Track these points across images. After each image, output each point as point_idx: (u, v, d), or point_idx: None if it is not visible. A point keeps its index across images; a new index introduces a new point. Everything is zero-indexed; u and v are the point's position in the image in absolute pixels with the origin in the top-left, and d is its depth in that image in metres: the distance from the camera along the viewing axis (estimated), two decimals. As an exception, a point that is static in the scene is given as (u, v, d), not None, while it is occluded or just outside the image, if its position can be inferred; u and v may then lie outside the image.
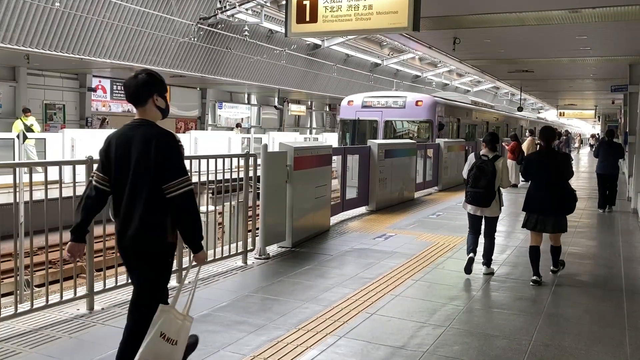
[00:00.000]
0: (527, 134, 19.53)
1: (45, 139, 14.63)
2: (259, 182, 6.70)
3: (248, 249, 6.52)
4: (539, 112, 49.70)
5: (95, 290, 4.72)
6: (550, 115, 48.16)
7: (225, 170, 6.17)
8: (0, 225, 6.09)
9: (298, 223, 7.33)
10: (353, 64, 28.23)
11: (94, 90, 21.91)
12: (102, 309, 4.67)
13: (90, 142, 14.52)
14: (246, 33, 19.46)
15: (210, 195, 6.77)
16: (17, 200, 4.95)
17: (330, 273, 6.06)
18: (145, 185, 3.11)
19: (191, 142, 18.33)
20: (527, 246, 6.20)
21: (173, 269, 3.52)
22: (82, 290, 4.74)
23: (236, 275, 5.96)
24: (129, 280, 4.88)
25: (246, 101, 31.17)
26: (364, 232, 8.44)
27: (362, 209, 10.44)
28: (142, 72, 3.26)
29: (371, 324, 4.61)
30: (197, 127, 26.70)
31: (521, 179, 17.06)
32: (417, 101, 16.01)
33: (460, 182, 15.93)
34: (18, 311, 4.27)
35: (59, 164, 5.23)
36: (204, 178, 6.07)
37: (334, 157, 9.05)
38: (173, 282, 4.71)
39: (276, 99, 30.74)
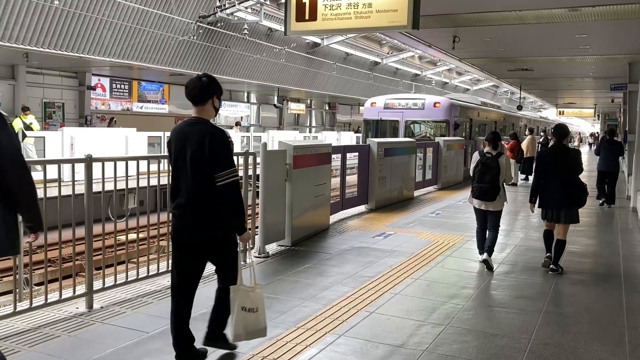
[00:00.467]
0: (526, 132, 19.56)
1: (44, 137, 14.61)
2: (258, 181, 6.70)
3: (247, 247, 6.49)
4: (539, 111, 49.70)
5: (94, 289, 4.72)
6: (549, 114, 48.15)
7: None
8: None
9: (297, 221, 7.33)
10: (352, 63, 28.21)
11: (93, 88, 21.89)
12: (101, 307, 4.67)
13: (90, 141, 14.53)
14: (245, 31, 19.45)
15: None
16: (16, 199, 4.92)
17: (330, 271, 6.06)
18: (199, 175, 3.51)
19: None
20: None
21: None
22: (81, 289, 4.74)
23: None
24: (138, 277, 4.88)
25: (245, 100, 31.15)
26: (363, 231, 8.44)
27: (362, 208, 10.44)
28: (205, 76, 3.65)
29: (370, 322, 4.61)
30: (196, 126, 26.64)
31: (520, 177, 17.22)
32: (435, 103, 17.30)
33: (459, 181, 16.03)
34: (17, 309, 4.27)
35: (58, 162, 5.23)
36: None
37: (334, 156, 9.04)
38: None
39: (275, 98, 30.73)
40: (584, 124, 69.23)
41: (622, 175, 17.81)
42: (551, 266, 6.38)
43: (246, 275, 3.77)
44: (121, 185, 5.09)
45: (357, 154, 10.72)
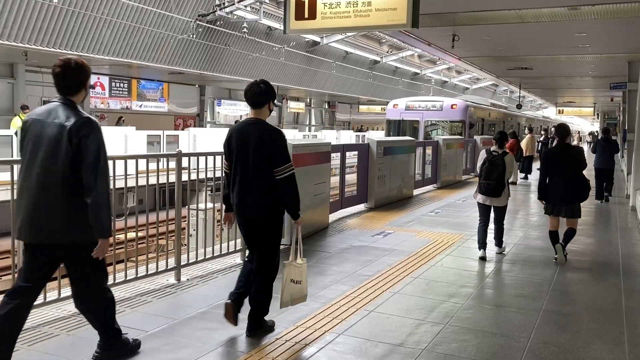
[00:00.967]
0: (526, 131, 19.61)
1: (43, 136, 14.58)
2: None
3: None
4: (538, 110, 49.70)
5: (93, 288, 4.71)
6: (550, 113, 48.19)
7: (224, 168, 6.15)
8: (-2, 222, 6.08)
9: (297, 220, 7.31)
10: (352, 61, 28.20)
11: (93, 87, 21.86)
12: (101, 306, 4.66)
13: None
14: (245, 30, 19.43)
15: (209, 192, 6.77)
16: (15, 197, 4.93)
17: (329, 270, 6.06)
18: (259, 169, 3.97)
19: (190, 139, 18.30)
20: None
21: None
22: (80, 288, 4.73)
23: (235, 272, 5.93)
24: (137, 275, 4.87)
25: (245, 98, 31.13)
26: (362, 230, 8.44)
27: (361, 207, 10.44)
28: (262, 82, 4.11)
29: (369, 321, 4.61)
30: (195, 125, 26.67)
31: (520, 176, 17.25)
32: (452, 105, 19.27)
33: (459, 180, 16.05)
34: (16, 308, 4.26)
35: (57, 161, 5.22)
36: (202, 175, 6.06)
37: (333, 155, 9.04)
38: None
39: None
40: (583, 122, 69.25)
41: (622, 174, 17.83)
42: (561, 242, 6.72)
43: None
44: (120, 184, 5.08)
45: (356, 152, 10.71)
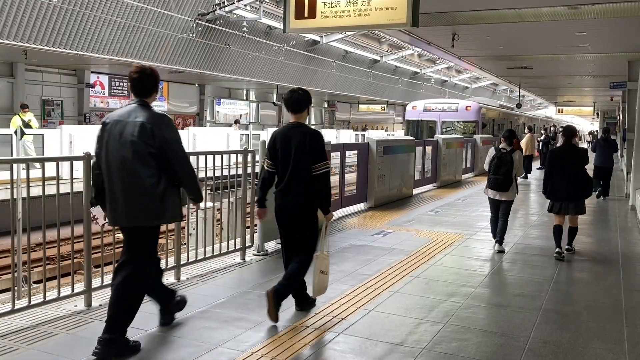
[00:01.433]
0: (525, 130, 19.65)
1: (43, 135, 14.59)
2: (257, 179, 6.68)
3: (246, 245, 6.51)
4: (537, 109, 49.69)
5: (93, 287, 4.71)
6: (550, 112, 48.23)
7: (224, 167, 6.16)
8: (-2, 221, 6.08)
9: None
10: (352, 61, 28.18)
11: (92, 86, 21.87)
12: (100, 305, 4.66)
13: (89, 139, 14.51)
14: (244, 29, 19.41)
15: (208, 191, 6.76)
16: (15, 197, 4.93)
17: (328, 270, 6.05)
18: (302, 166, 4.42)
19: (189, 138, 18.30)
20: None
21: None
22: (79, 287, 4.74)
23: (234, 271, 5.95)
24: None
25: (245, 97, 31.14)
26: (362, 229, 8.43)
27: (361, 206, 10.44)
28: (301, 90, 4.62)
29: (369, 320, 4.61)
30: (195, 124, 26.67)
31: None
32: (466, 106, 21.10)
33: (458, 180, 16.06)
34: (15, 307, 4.26)
35: (57, 160, 5.23)
36: (202, 174, 6.06)
37: (333, 154, 9.03)
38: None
39: (275, 95, 30.69)
40: (582, 122, 69.28)
41: (622, 173, 17.83)
42: (566, 246, 7.07)
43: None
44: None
45: (356, 152, 10.71)
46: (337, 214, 9.43)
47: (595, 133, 40.50)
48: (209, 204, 6.92)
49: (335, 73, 27.36)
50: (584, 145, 35.21)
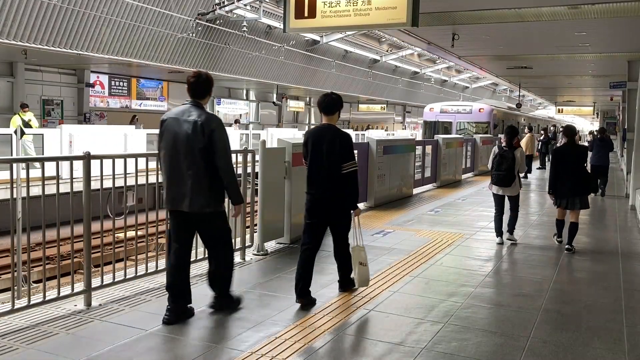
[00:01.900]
0: (525, 130, 19.66)
1: (43, 134, 14.58)
2: (257, 178, 6.69)
3: (246, 245, 6.51)
4: (537, 109, 49.67)
5: (92, 287, 4.71)
6: (552, 113, 48.26)
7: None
8: (-2, 221, 6.08)
9: (296, 219, 7.30)
10: (352, 60, 28.18)
11: (92, 85, 21.85)
12: (100, 305, 4.66)
13: (88, 138, 14.51)
14: (244, 29, 19.41)
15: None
16: (15, 196, 4.93)
17: (328, 269, 6.05)
18: (331, 164, 4.83)
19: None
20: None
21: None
22: (79, 286, 4.74)
23: (234, 271, 5.93)
24: (136, 274, 4.88)
25: (244, 97, 31.11)
26: (362, 229, 8.40)
27: (360, 205, 10.41)
28: (333, 94, 5.06)
29: (369, 320, 4.61)
30: (195, 123, 26.61)
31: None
32: (480, 109, 22.85)
33: (458, 180, 16.06)
34: (15, 307, 4.26)
35: (57, 159, 5.23)
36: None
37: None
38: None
39: (275, 95, 30.71)
40: (582, 122, 69.26)
41: (621, 173, 17.83)
42: (566, 246, 7.30)
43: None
44: (120, 182, 5.07)
45: (356, 151, 10.67)
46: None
47: (595, 132, 40.54)
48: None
49: (335, 73, 27.36)
50: (585, 144, 35.34)
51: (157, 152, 4.54)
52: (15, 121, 14.40)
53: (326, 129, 4.99)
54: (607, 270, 6.55)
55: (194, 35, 18.16)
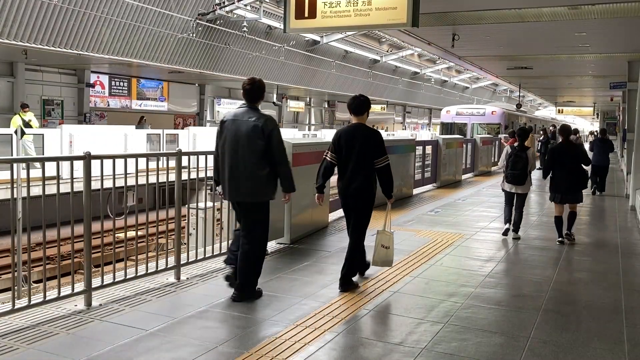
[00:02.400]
0: (526, 130, 19.71)
1: (43, 134, 14.59)
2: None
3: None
4: (537, 109, 49.68)
5: (93, 286, 4.71)
6: (555, 114, 48.34)
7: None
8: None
9: (296, 220, 7.32)
10: (352, 60, 28.19)
11: (92, 86, 21.86)
12: (100, 304, 4.66)
13: (89, 138, 14.52)
14: (245, 29, 19.42)
15: (208, 191, 6.76)
16: (15, 196, 4.94)
17: (329, 269, 6.06)
18: (365, 160, 5.29)
19: (190, 138, 18.31)
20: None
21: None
22: (79, 286, 4.74)
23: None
24: (136, 274, 4.88)
25: (245, 97, 31.08)
26: (362, 229, 8.41)
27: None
28: (362, 96, 5.49)
29: (369, 320, 4.61)
30: (195, 123, 26.65)
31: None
32: (492, 111, 25.41)
33: (458, 180, 16.06)
34: (15, 307, 4.26)
35: (57, 159, 5.22)
36: (202, 174, 6.06)
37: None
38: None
39: (275, 95, 30.69)
40: (582, 122, 69.28)
41: (621, 173, 17.83)
42: (565, 232, 7.83)
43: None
44: (120, 182, 5.08)
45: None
46: (337, 214, 9.41)
47: (595, 133, 40.57)
48: (209, 204, 6.92)
49: (335, 73, 27.37)
50: (586, 144, 35.38)
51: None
52: (16, 121, 14.40)
53: (357, 128, 5.39)
54: (607, 270, 6.55)
55: (194, 35, 18.17)
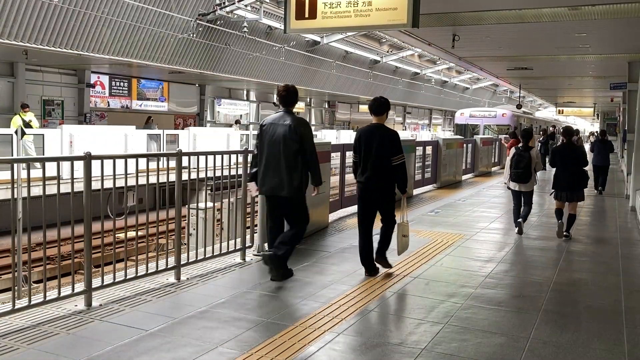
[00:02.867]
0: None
1: (43, 135, 14.59)
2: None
3: (246, 245, 6.51)
4: (537, 110, 49.68)
5: (93, 287, 4.71)
6: (557, 115, 48.36)
7: (224, 167, 6.17)
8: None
9: (296, 220, 7.31)
10: (352, 61, 28.18)
11: (93, 86, 21.86)
12: (100, 305, 4.67)
13: (89, 139, 14.52)
14: (245, 29, 19.42)
15: (209, 191, 6.76)
16: (15, 196, 4.94)
17: (329, 270, 6.06)
18: (383, 159, 5.69)
19: (190, 138, 18.31)
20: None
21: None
22: (80, 286, 4.74)
23: (234, 271, 5.95)
24: (137, 274, 4.90)
25: (245, 98, 31.12)
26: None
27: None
28: (382, 98, 5.93)
29: (369, 320, 4.61)
30: (195, 124, 26.65)
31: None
32: (502, 113, 27.67)
33: (458, 181, 16.07)
34: (16, 307, 4.26)
35: (57, 160, 5.23)
36: (202, 175, 6.07)
37: (333, 154, 9.03)
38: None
39: (275, 96, 30.68)
40: (582, 123, 69.28)
41: (622, 174, 17.82)
42: (564, 233, 8.11)
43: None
44: (120, 183, 5.08)
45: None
46: (337, 214, 9.43)
47: (595, 134, 40.57)
48: (209, 204, 6.93)
49: (335, 73, 27.37)
50: (587, 144, 35.48)
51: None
52: (16, 121, 14.40)
53: (377, 127, 5.81)
54: (607, 271, 6.55)
55: (194, 35, 18.17)
